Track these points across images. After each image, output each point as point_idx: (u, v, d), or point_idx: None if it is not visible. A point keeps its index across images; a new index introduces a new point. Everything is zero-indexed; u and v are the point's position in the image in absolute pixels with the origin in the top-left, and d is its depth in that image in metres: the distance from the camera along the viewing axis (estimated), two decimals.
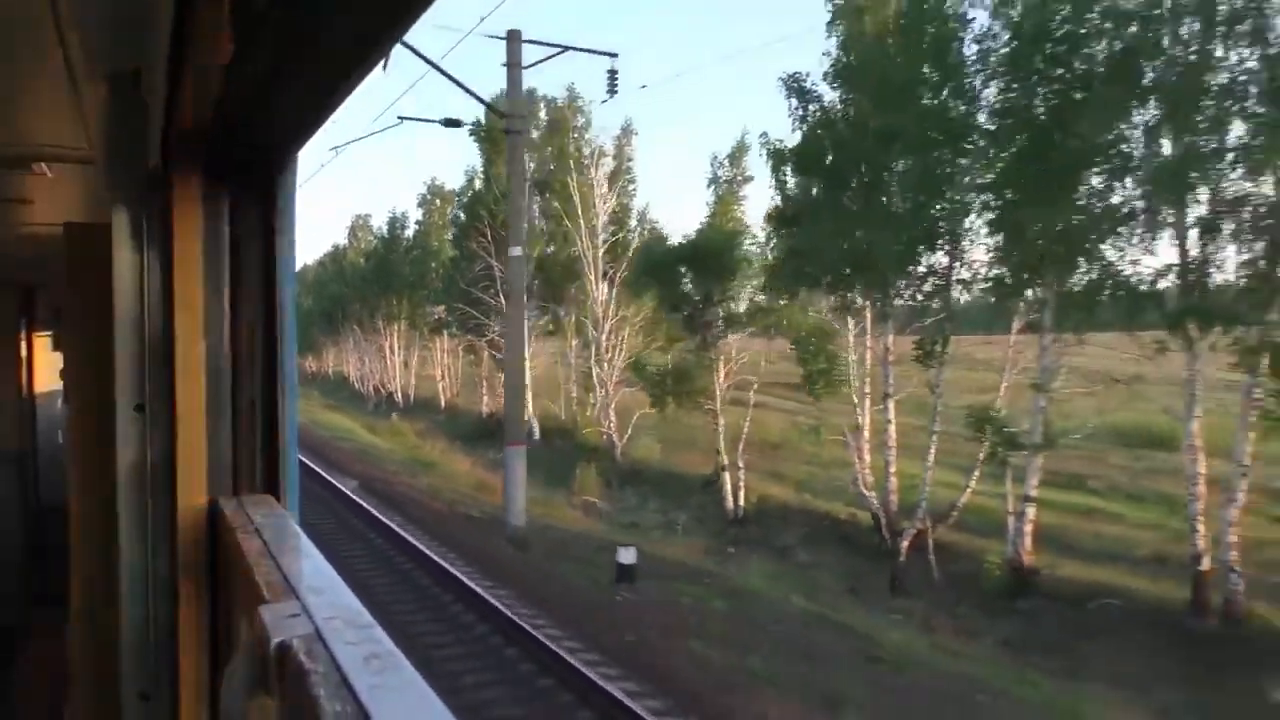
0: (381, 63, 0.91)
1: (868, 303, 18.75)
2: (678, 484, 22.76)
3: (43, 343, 6.22)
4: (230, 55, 0.95)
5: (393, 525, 16.32)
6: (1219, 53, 13.39)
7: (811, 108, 18.95)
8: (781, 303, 21.52)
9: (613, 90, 18.39)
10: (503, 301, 27.23)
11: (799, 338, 20.56)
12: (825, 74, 18.52)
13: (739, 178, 29.01)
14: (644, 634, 11.14)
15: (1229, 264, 13.78)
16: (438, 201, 43.81)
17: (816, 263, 18.35)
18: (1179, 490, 14.68)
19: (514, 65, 17.24)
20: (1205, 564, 13.18)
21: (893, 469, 17.94)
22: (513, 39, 17.18)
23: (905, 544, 16.48)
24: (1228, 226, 13.64)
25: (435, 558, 13.90)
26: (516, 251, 18.12)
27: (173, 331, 1.50)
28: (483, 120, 28.60)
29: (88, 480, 1.66)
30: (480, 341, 33.87)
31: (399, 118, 21.47)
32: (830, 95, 18.79)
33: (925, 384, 17.43)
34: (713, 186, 26.95)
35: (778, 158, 19.48)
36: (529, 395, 28.88)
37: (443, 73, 15.41)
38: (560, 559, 15.43)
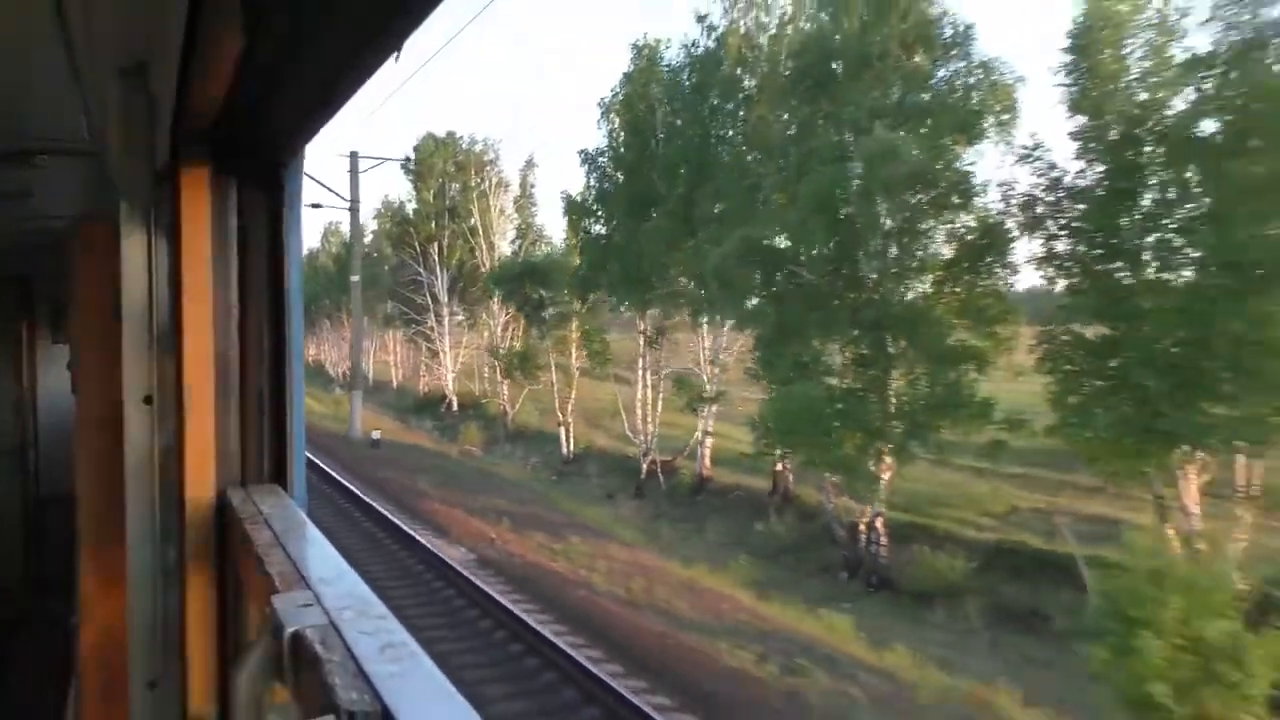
0: (394, 55, 0.91)
1: (635, 307, 27.26)
2: (544, 439, 31.60)
3: (43, 334, 6.22)
4: (240, 49, 0.96)
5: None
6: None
7: (594, 174, 27.95)
8: (576, 306, 29.87)
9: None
10: (429, 300, 39.35)
11: (585, 331, 29.69)
12: (598, 152, 27.65)
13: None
14: (382, 471, 24.11)
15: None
16: (388, 216, 50.96)
17: (599, 278, 27.34)
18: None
19: (354, 172, 29.30)
20: (779, 466, 22.20)
21: (650, 421, 26.50)
22: (353, 157, 29.46)
23: (646, 468, 25.73)
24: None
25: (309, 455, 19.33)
26: (355, 278, 31.39)
27: (180, 323, 1.50)
28: (412, 157, 39.63)
29: (96, 471, 1.67)
30: (416, 333, 42.60)
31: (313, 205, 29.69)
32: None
33: (656, 361, 27.10)
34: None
35: (571, 206, 28.82)
36: (449, 377, 39.82)
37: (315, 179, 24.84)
38: (392, 454, 27.86)
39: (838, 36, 18.63)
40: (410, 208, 42.16)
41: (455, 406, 38.84)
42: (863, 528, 17.89)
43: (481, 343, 39.04)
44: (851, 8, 18.34)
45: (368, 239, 50.98)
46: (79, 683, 1.78)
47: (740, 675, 11.30)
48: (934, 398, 16.86)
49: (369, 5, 0.86)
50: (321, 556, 1.13)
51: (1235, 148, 12.63)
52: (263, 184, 1.52)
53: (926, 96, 17.75)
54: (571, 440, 29.67)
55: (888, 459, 17.47)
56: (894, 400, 17.60)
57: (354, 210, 31.05)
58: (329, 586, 0.99)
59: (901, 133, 16.70)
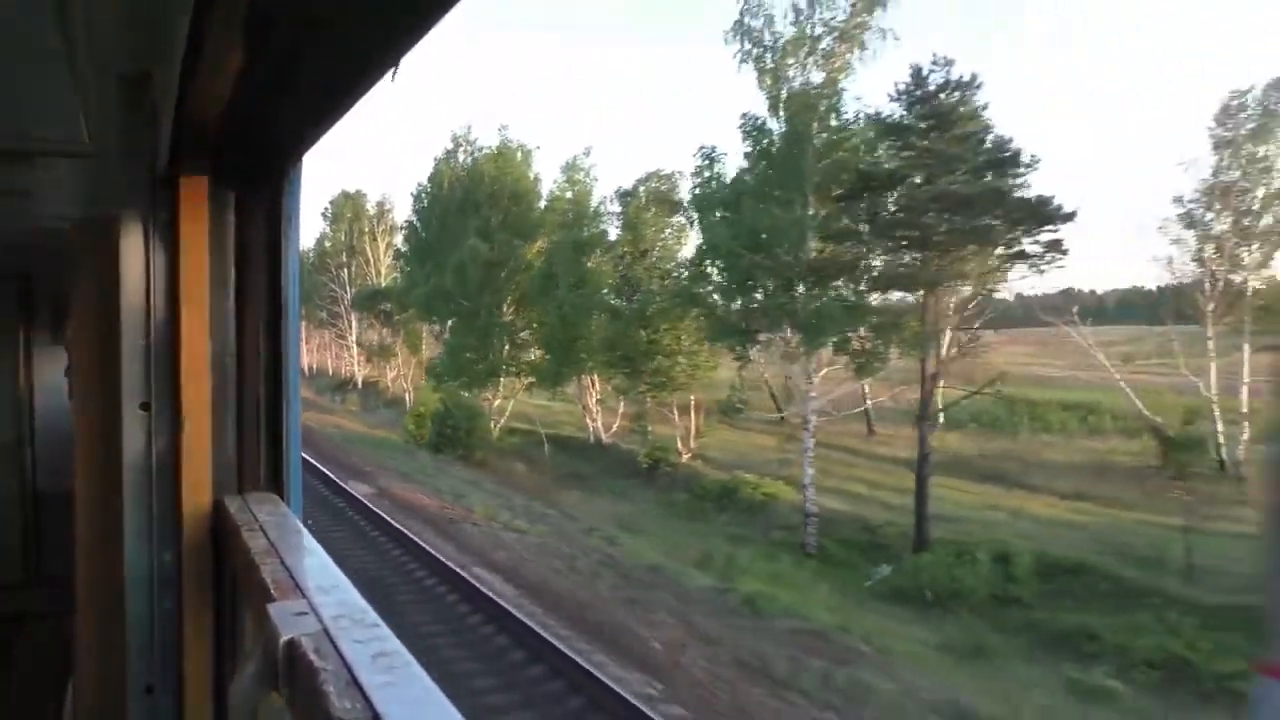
0: (391, 72, 0.92)
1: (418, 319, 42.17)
2: (402, 402, 42.65)
3: (42, 334, 6.22)
4: (242, 62, 0.97)
5: None
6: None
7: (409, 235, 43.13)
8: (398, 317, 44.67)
9: None
10: (342, 310, 54.09)
11: (407, 331, 44.42)
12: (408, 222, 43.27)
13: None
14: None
15: None
16: (312, 247, 64.56)
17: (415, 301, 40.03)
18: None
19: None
20: (601, 426, 33.11)
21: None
22: None
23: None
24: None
25: None
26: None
27: (178, 330, 1.50)
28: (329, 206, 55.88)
29: (93, 478, 1.67)
30: (335, 333, 57.68)
31: None
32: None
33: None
34: None
35: (397, 254, 47.57)
36: (356, 364, 54.54)
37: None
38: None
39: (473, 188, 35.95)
40: (327, 243, 57.22)
41: (360, 385, 52.84)
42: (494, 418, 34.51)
43: (370, 340, 53.31)
44: (483, 168, 36.01)
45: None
46: (76, 686, 1.78)
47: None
48: (502, 362, 34.34)
49: (368, 23, 0.87)
50: (317, 565, 1.13)
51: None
52: (261, 194, 1.53)
53: (500, 218, 34.50)
54: (410, 400, 41.27)
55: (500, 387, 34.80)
56: (495, 360, 34.25)
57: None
58: (324, 595, 1.00)
59: (481, 240, 33.57)
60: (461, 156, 38.40)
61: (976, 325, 22.64)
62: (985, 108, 20.97)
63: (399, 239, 48.79)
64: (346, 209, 55.46)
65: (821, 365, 23.11)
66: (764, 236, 21.89)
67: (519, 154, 35.55)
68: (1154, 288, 31.84)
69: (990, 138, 20.96)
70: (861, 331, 22.53)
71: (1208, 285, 25.90)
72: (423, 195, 40.08)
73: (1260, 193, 24.44)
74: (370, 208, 55.20)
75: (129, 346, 1.51)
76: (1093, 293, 36.08)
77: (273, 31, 0.92)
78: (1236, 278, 25.43)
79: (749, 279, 22.96)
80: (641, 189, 30.93)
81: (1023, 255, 21.25)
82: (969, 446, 27.70)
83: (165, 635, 1.52)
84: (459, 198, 36.16)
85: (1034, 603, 16.00)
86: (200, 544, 1.50)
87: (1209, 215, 25.43)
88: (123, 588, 1.52)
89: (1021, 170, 20.72)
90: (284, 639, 0.87)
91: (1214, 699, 12.66)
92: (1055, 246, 20.94)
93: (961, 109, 20.89)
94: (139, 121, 1.48)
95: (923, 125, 20.97)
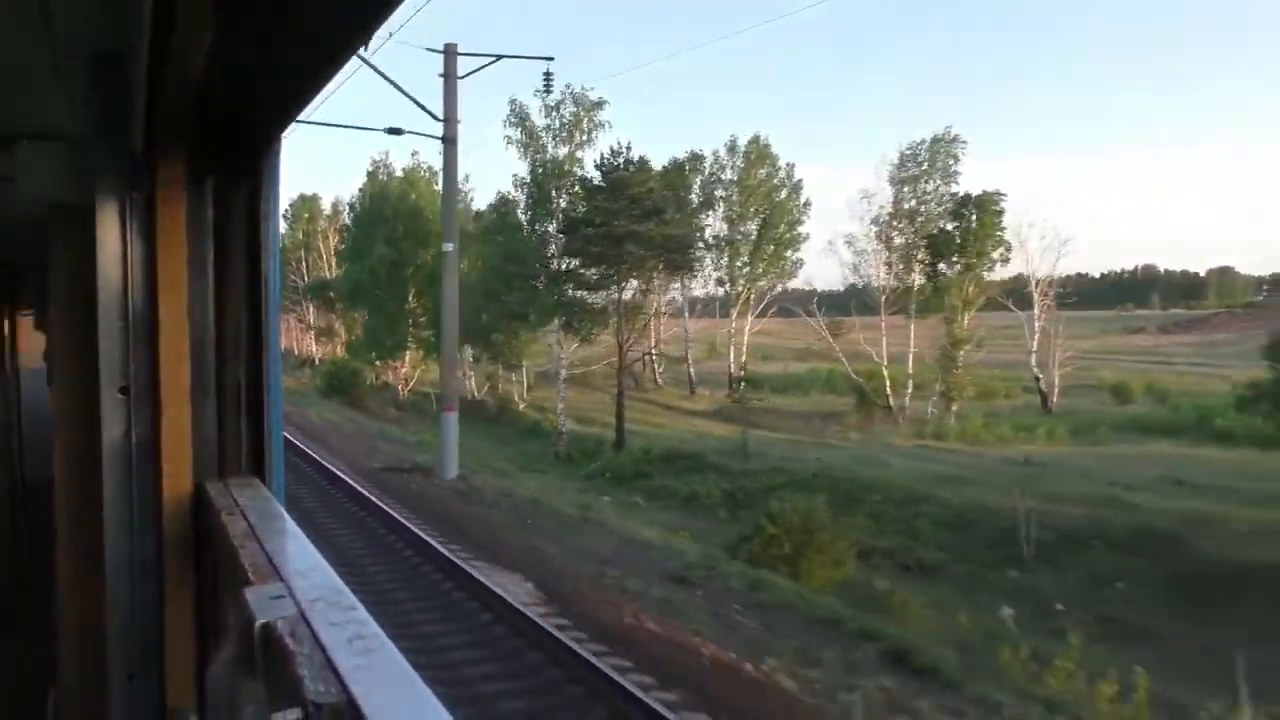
0: (363, 44, 0.90)
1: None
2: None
3: (27, 320, 6.17)
4: (213, 37, 0.95)
5: None
6: None
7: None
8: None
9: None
10: (301, 298, 59.56)
11: (346, 316, 49.79)
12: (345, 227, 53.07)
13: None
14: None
15: None
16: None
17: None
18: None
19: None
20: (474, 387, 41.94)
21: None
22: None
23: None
24: None
25: None
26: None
27: (157, 313, 1.48)
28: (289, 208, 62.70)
29: (73, 463, 1.66)
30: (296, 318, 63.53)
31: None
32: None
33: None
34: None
35: (339, 252, 54.88)
36: (314, 346, 62.22)
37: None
38: None
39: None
40: (286, 240, 62.06)
41: (316, 363, 58.12)
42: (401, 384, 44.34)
43: (320, 324, 60.25)
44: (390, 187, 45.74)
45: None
46: (59, 673, 1.77)
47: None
48: (405, 340, 42.35)
49: None
50: (296, 549, 1.13)
51: None
52: (240, 176, 1.51)
53: (403, 229, 41.84)
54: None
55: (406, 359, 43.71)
56: (400, 339, 41.96)
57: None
58: (302, 579, 0.99)
59: (387, 246, 41.36)
60: (382, 175, 47.90)
61: (665, 314, 44.78)
62: (650, 178, 33.40)
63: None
64: (304, 210, 64.18)
65: (566, 340, 35.27)
66: (520, 255, 35.62)
67: (426, 175, 45.04)
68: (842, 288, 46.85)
69: (651, 198, 32.82)
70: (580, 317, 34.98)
71: (881, 286, 39.35)
72: (355, 205, 49.23)
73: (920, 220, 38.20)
74: (326, 208, 64.37)
75: (107, 330, 1.49)
76: (814, 290, 47.48)
77: (243, 7, 0.90)
78: (904, 281, 38.76)
79: (510, 283, 35.37)
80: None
81: (674, 270, 36.27)
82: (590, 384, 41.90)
83: (147, 621, 1.51)
84: (376, 210, 44.61)
85: (653, 474, 27.34)
86: (181, 529, 1.49)
87: (879, 234, 39.46)
88: (104, 574, 1.50)
89: (669, 217, 33.23)
90: (259, 623, 0.86)
91: (694, 510, 23.39)
92: (689, 268, 37.80)
93: (630, 178, 32.54)
94: (114, 103, 1.45)
95: (604, 188, 32.94)
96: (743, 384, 40.11)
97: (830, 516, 17.44)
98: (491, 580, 10.74)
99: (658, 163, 36.59)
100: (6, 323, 5.96)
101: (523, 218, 36.19)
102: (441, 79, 18.76)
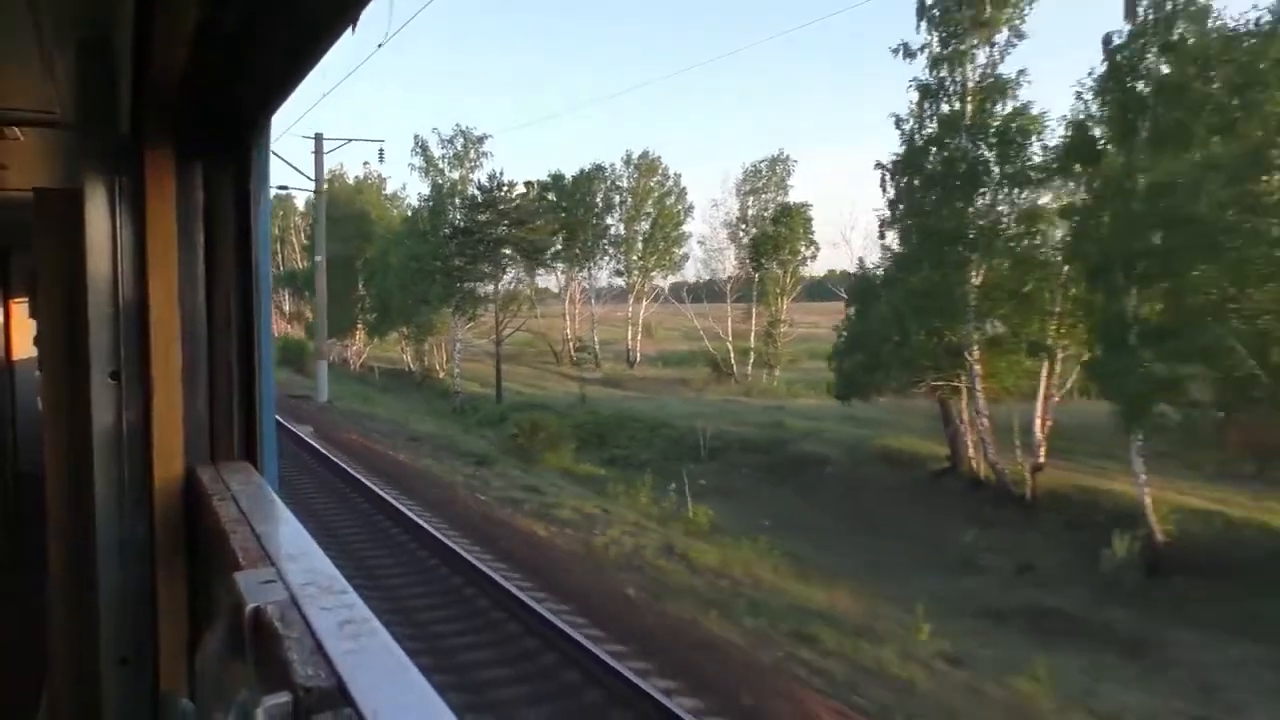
0: (350, 25, 0.89)
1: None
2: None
3: (19, 307, 6.12)
4: (199, 19, 0.94)
5: None
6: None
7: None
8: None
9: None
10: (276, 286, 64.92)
11: (313, 303, 50.45)
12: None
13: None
14: None
15: None
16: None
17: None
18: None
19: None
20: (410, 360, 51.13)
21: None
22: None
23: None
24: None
25: None
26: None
27: (147, 298, 1.47)
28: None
29: (63, 448, 1.65)
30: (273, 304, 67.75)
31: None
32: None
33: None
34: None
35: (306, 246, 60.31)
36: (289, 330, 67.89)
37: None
38: None
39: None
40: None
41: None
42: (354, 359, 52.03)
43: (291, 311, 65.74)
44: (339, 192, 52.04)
45: None
46: (50, 659, 1.77)
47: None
48: (354, 322, 50.99)
49: None
50: (287, 533, 1.12)
51: None
52: (228, 159, 1.49)
53: (351, 229, 49.38)
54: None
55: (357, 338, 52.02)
56: (350, 320, 49.58)
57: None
58: (293, 563, 0.99)
59: (338, 243, 44.34)
60: (336, 184, 52.73)
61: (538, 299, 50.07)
62: (517, 198, 41.25)
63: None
64: (279, 207, 69.78)
65: (459, 320, 42.47)
66: (424, 254, 43.52)
67: (375, 183, 55.47)
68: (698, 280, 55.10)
69: (517, 211, 40.81)
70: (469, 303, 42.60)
71: (728, 278, 49.15)
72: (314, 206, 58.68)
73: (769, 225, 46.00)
74: (300, 205, 70.12)
75: (97, 315, 1.48)
76: (690, 281, 55.54)
77: None
78: (746, 272, 47.04)
79: (416, 277, 43.65)
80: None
81: (538, 267, 44.98)
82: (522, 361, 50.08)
83: (139, 606, 1.51)
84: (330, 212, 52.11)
85: (508, 416, 32.01)
86: (173, 514, 1.49)
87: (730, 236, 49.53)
88: (95, 560, 1.50)
89: (536, 225, 40.72)
90: (249, 607, 0.86)
91: (504, 430, 29.21)
92: (546, 265, 46.05)
93: (500, 197, 40.45)
94: (100, 87, 1.44)
95: (483, 205, 40.61)
96: (581, 353, 51.01)
97: (562, 427, 27.85)
98: (296, 428, 21.19)
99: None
100: (1, 314, 5.91)
101: (425, 227, 45.05)
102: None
